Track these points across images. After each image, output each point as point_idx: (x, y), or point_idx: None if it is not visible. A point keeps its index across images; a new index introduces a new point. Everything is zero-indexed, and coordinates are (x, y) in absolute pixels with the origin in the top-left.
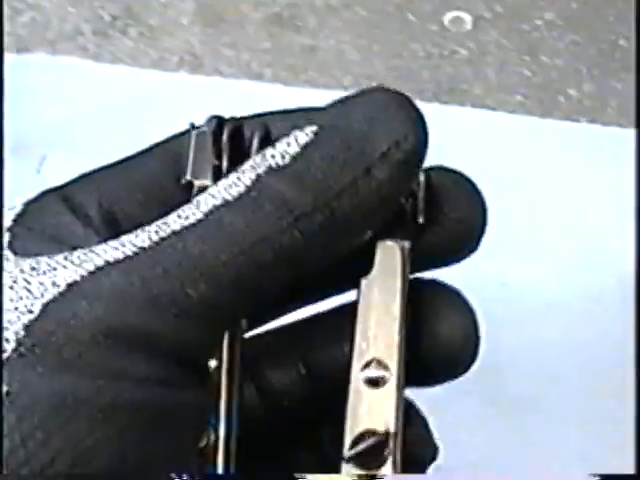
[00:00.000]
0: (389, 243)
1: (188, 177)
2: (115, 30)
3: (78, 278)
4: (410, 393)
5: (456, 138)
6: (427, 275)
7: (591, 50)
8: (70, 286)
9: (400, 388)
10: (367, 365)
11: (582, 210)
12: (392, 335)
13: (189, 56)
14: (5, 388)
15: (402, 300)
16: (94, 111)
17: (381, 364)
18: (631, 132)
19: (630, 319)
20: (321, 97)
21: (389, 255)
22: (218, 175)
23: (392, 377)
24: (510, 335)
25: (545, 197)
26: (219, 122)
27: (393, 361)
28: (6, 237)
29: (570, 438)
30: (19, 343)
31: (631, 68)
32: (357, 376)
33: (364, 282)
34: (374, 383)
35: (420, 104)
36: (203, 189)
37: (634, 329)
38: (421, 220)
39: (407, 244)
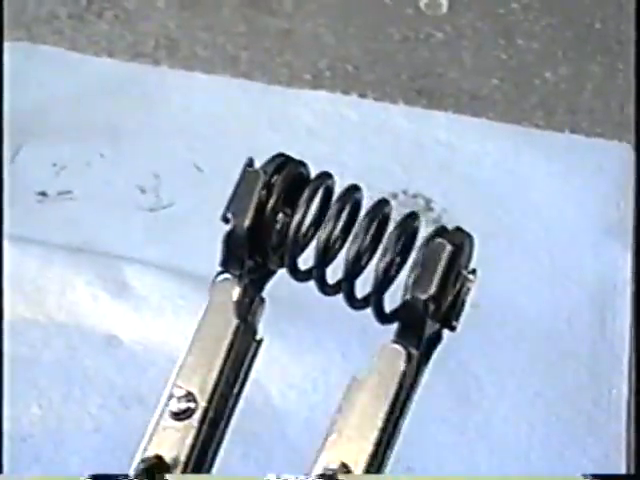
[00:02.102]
0: (395, 347)
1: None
2: (91, 14)
3: None
4: None
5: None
6: None
7: (567, 33)
8: None
9: None
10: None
11: (557, 226)
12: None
13: (165, 39)
14: None
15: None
16: (69, 99)
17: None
18: (611, 144)
19: (599, 337)
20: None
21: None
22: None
23: None
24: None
25: (521, 214)
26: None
27: (358, 466)
28: None
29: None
30: None
31: (607, 51)
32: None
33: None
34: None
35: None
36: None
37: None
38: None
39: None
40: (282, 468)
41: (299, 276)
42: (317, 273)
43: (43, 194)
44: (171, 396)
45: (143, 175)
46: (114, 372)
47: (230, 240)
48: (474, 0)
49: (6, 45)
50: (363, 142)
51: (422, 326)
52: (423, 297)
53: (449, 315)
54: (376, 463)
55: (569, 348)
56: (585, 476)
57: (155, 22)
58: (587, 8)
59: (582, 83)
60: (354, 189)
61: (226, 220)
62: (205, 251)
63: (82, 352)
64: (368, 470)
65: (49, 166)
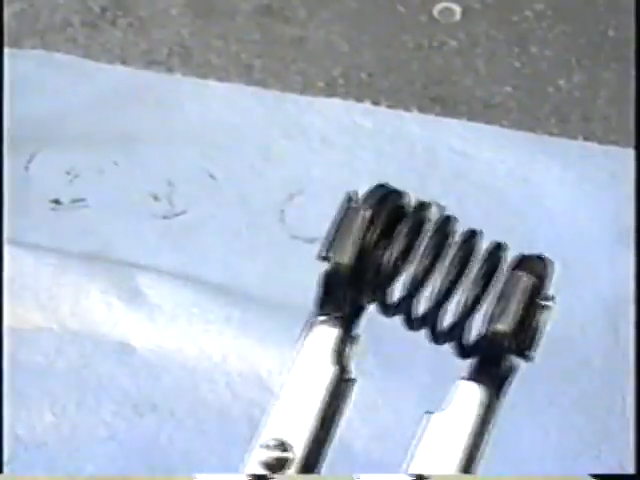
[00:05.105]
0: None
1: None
2: (104, 21)
3: None
4: None
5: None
6: None
7: (581, 41)
8: None
9: None
10: None
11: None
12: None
13: (179, 47)
14: None
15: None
16: (82, 107)
17: None
18: (625, 151)
19: (613, 345)
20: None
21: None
22: (361, 257)
23: None
24: None
25: (535, 221)
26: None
27: None
28: None
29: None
30: None
31: (620, 58)
32: None
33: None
34: None
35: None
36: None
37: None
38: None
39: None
40: None
41: (389, 310)
42: (405, 306)
43: (57, 202)
44: (262, 444)
45: (156, 183)
46: (128, 380)
47: (331, 280)
48: (488, 8)
49: (20, 53)
50: (377, 150)
51: (500, 361)
52: (503, 332)
53: (527, 346)
54: None
55: (583, 356)
56: (594, 476)
57: (169, 30)
58: (601, 15)
59: (596, 90)
60: (445, 222)
61: (326, 259)
62: (218, 258)
63: (96, 360)
64: None
65: (63, 174)
